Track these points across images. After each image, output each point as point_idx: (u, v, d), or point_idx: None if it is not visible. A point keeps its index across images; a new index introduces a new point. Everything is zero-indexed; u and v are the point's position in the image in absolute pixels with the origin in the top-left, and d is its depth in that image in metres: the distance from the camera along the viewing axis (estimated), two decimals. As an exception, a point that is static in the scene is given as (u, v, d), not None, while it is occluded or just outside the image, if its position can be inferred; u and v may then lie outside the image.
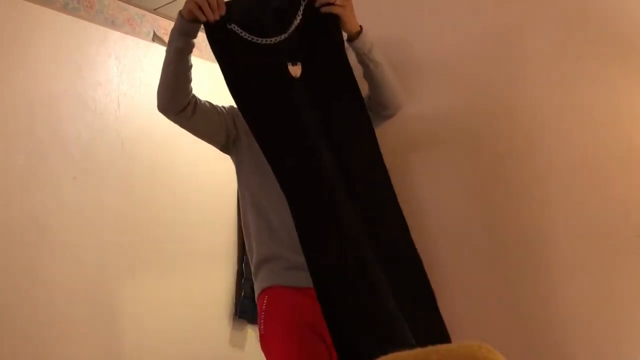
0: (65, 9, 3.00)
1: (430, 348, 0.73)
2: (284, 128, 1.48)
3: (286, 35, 1.52)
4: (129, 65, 3.25)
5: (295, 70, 1.52)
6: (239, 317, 3.62)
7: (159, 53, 3.45)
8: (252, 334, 3.71)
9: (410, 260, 1.47)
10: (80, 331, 2.74)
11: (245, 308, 3.61)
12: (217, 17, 1.52)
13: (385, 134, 1.58)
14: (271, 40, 1.51)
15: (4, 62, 2.69)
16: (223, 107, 1.81)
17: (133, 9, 3.40)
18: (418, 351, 0.72)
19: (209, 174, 3.64)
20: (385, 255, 1.40)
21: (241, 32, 1.53)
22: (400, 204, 1.55)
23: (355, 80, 1.57)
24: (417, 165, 1.87)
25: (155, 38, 3.50)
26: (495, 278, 1.74)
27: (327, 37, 1.54)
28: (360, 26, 1.55)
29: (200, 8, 1.49)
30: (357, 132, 1.54)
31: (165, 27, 3.55)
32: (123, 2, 3.36)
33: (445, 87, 1.88)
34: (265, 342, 1.54)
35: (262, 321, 1.54)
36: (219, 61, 1.63)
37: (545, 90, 1.71)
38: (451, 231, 1.81)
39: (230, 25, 1.55)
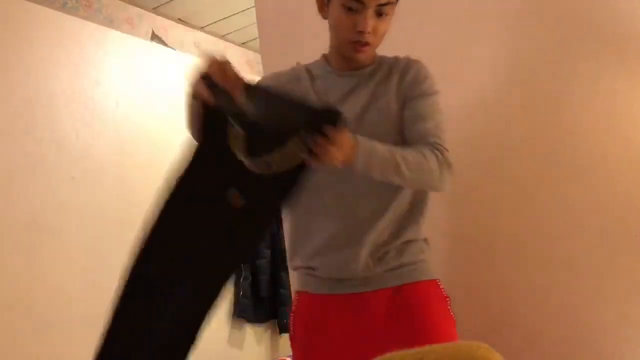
0: (64, 7, 3.00)
1: (427, 347, 0.73)
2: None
3: (258, 161, 1.17)
4: (128, 64, 3.25)
5: (237, 201, 1.21)
6: (237, 316, 3.62)
7: (157, 52, 3.46)
8: (250, 333, 3.72)
9: None
10: (79, 331, 2.74)
11: (243, 307, 3.62)
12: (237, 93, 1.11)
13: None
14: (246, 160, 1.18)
15: (3, 61, 2.69)
16: None
17: (132, 8, 3.40)
18: (416, 350, 0.72)
19: (208, 174, 3.64)
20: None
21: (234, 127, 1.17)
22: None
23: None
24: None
25: (154, 37, 3.50)
26: (492, 277, 1.74)
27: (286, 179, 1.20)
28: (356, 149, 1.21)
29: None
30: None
31: (164, 26, 3.56)
32: (122, 1, 3.36)
33: (440, 87, 1.88)
34: (290, 343, 1.51)
35: (291, 322, 1.50)
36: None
37: (542, 91, 1.71)
38: (449, 231, 1.81)
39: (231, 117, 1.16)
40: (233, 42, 4.11)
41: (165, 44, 3.55)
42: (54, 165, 2.79)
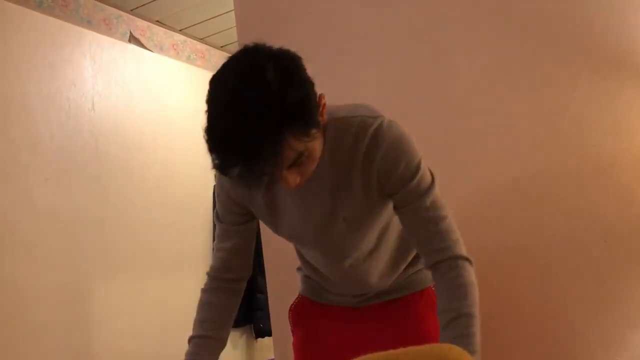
0: (39, 7, 2.96)
1: (401, 350, 0.73)
2: None
3: None
4: (105, 65, 3.22)
5: None
6: (213, 320, 3.59)
7: (135, 54, 3.43)
8: (226, 337, 3.69)
9: None
10: (50, 334, 2.70)
11: (219, 312, 3.59)
12: None
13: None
14: None
15: (-24, 60, 2.65)
16: (228, 221, 1.31)
17: (109, 9, 3.37)
18: (389, 353, 0.73)
19: (185, 176, 3.62)
20: None
21: None
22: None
23: None
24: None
25: (132, 39, 3.47)
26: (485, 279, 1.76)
27: None
28: None
29: None
30: None
31: (142, 28, 3.53)
32: (99, 1, 3.33)
33: (417, 95, 1.90)
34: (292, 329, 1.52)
35: (292, 311, 1.52)
36: None
37: (517, 98, 1.74)
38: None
39: None
40: (212, 45, 4.10)
41: (143, 46, 3.52)
42: (27, 167, 2.74)
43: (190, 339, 1.32)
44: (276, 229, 1.28)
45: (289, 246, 1.45)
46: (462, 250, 1.16)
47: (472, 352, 0.97)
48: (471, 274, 1.13)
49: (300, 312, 1.48)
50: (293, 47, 2.29)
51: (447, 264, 1.13)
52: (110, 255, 3.05)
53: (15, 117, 2.73)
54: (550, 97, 1.69)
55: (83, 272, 2.91)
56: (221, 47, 4.15)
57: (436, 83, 1.87)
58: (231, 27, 3.57)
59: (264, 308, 3.61)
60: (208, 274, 1.36)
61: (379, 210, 1.21)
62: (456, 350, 0.73)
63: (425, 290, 1.41)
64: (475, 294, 1.11)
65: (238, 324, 3.73)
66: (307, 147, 0.99)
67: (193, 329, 1.33)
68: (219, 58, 4.13)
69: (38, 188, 2.76)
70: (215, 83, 0.99)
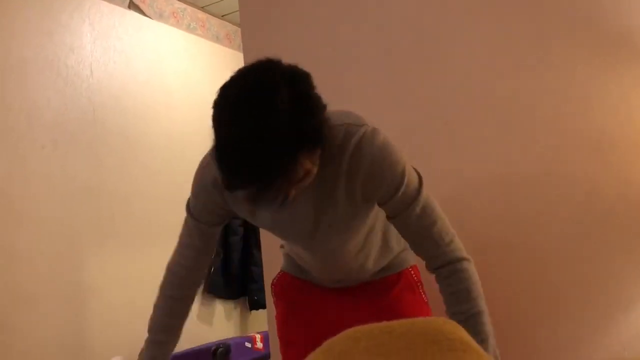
0: (37, -30, 2.91)
1: (395, 322, 0.73)
2: None
3: None
4: (103, 31, 3.18)
5: None
6: (207, 292, 3.61)
7: (134, 21, 3.39)
8: (220, 309, 3.72)
9: None
10: (44, 303, 2.71)
11: (214, 283, 3.61)
12: None
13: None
14: None
15: (-28, 23, 2.61)
16: (206, 218, 1.36)
17: (109, -25, 3.32)
18: (384, 324, 0.73)
19: (183, 146, 3.60)
20: None
21: None
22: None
23: None
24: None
25: (131, 5, 3.42)
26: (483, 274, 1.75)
27: None
28: None
29: None
30: None
31: (142, -6, 3.48)
32: (99, -34, 3.27)
33: (419, 70, 1.88)
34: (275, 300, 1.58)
35: (275, 283, 1.57)
36: None
37: (522, 77, 1.72)
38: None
39: None
40: (213, 14, 4.05)
41: (143, 13, 3.47)
42: (24, 134, 2.72)
43: (159, 343, 1.40)
44: (258, 224, 1.32)
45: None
46: (457, 251, 1.18)
47: (486, 348, 1.05)
48: (471, 274, 1.16)
49: (282, 287, 1.54)
50: (293, 16, 2.26)
51: (447, 270, 1.17)
52: (105, 224, 3.05)
53: (11, 83, 2.70)
54: (551, 76, 1.68)
55: (77, 241, 2.90)
56: (222, 16, 4.10)
57: (438, 61, 1.85)
58: (233, -3, 3.52)
59: (258, 281, 3.63)
60: (177, 273, 1.40)
61: (363, 216, 1.24)
62: (450, 323, 0.72)
63: (404, 272, 1.46)
64: (478, 291, 1.15)
65: (233, 296, 3.75)
66: (314, 164, 1.01)
67: (159, 330, 1.40)
68: (220, 27, 4.08)
69: (34, 155, 2.75)
70: (225, 101, 0.96)
